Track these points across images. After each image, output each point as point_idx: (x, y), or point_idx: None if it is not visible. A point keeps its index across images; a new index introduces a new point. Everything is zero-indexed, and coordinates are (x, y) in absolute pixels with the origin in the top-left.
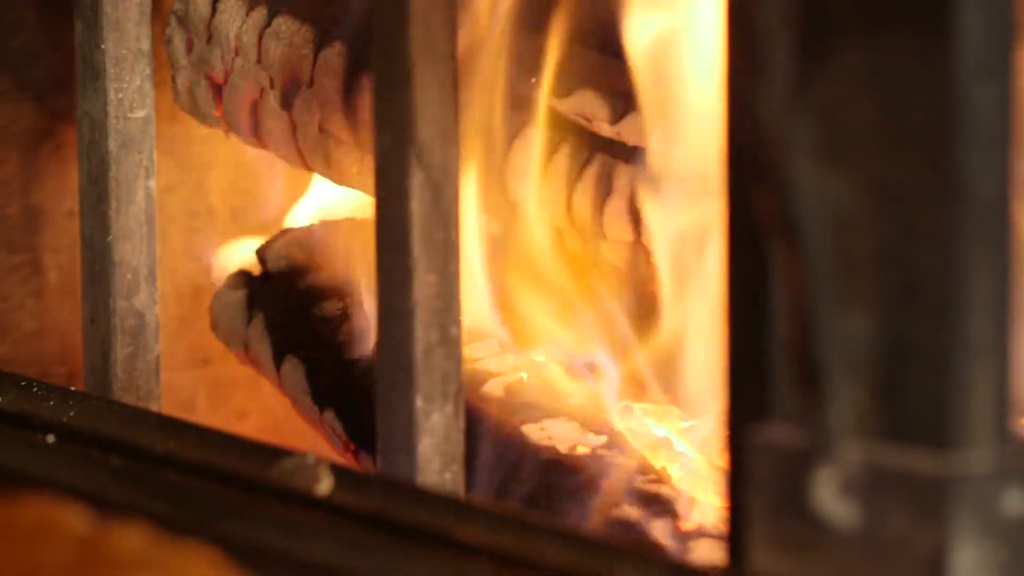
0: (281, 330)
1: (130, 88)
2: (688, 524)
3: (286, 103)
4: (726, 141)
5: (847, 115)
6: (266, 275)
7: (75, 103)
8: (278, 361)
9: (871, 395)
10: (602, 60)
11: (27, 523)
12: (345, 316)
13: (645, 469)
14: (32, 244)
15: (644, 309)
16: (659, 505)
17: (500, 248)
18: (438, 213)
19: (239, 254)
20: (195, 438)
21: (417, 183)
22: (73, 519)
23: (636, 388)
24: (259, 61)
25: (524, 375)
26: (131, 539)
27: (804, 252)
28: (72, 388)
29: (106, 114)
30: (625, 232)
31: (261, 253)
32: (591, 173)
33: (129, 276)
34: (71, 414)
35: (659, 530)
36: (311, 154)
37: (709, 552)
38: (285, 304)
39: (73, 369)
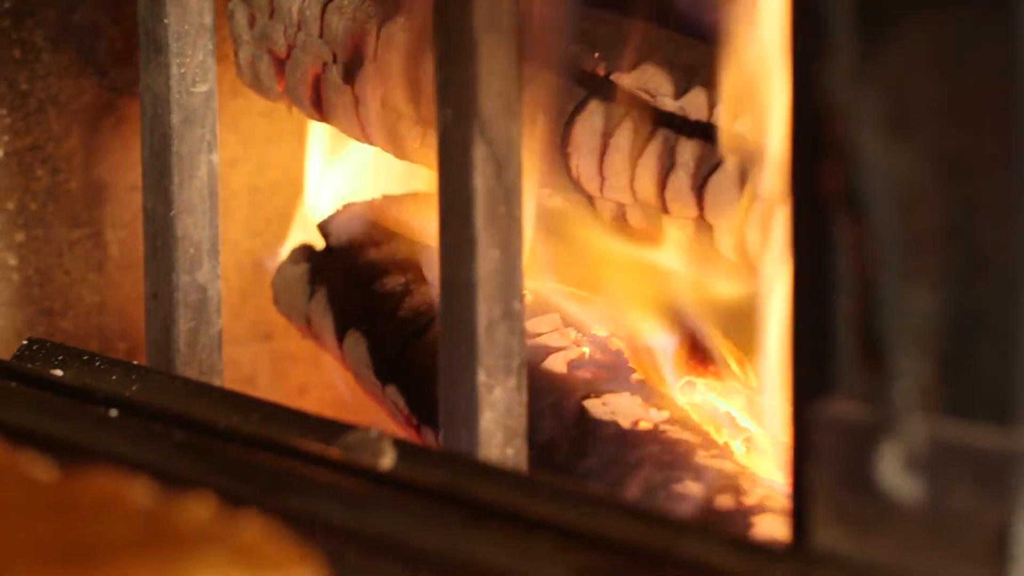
0: (343, 304)
1: (192, 62)
2: (751, 500)
3: (349, 77)
4: (791, 116)
5: (912, 89)
6: (328, 249)
7: (137, 78)
8: (340, 335)
9: (936, 370)
10: (665, 35)
11: (93, 496)
12: (407, 291)
13: (708, 444)
14: (94, 218)
15: (707, 284)
16: (722, 481)
17: (562, 223)
18: (501, 187)
19: (301, 228)
20: (258, 412)
21: (480, 157)
22: (138, 492)
23: (699, 363)
24: (322, 35)
25: (587, 350)
26: (195, 512)
27: (869, 226)
28: (134, 362)
29: (168, 88)
30: (688, 207)
31: (323, 227)
32: (654, 148)
33: (191, 250)
34: (134, 388)
35: (722, 506)
36: (373, 128)
37: (772, 528)
38: (347, 278)
39: (135, 343)
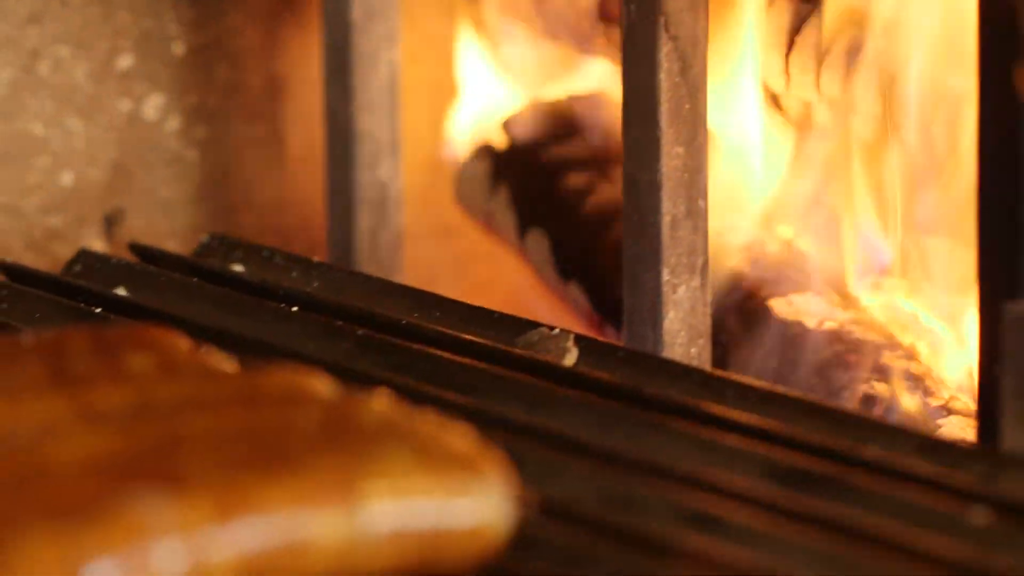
0: (526, 202)
1: None
2: (938, 401)
3: None
4: (979, 12)
5: None
6: (511, 147)
7: None
8: (522, 233)
9: None
10: None
11: (275, 390)
12: (591, 188)
13: (893, 345)
14: (274, 114)
15: (893, 183)
16: (908, 381)
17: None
18: (686, 84)
19: (484, 126)
20: (439, 310)
21: (665, 54)
22: (320, 387)
23: (885, 263)
24: None
25: (772, 248)
26: (377, 408)
27: None
28: (315, 259)
29: None
30: (874, 105)
31: (507, 125)
32: (841, 45)
33: (372, 147)
34: (315, 285)
35: (908, 406)
36: (556, 25)
37: (959, 429)
38: (530, 176)
39: (315, 240)
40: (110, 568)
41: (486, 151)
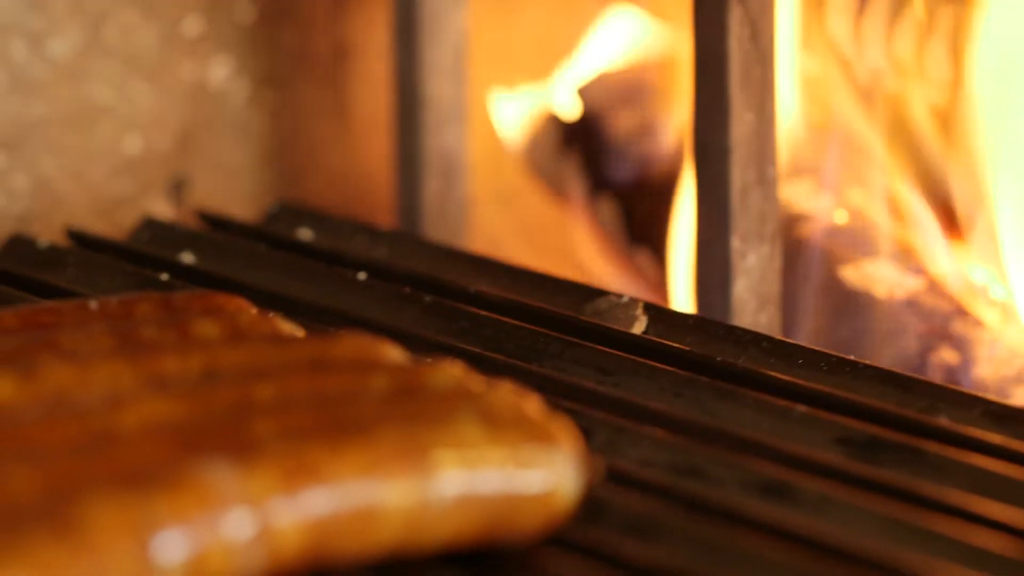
0: (595, 169)
1: None
2: (1009, 369)
3: None
4: None
5: None
6: (581, 114)
7: None
8: (592, 199)
9: None
10: None
11: (343, 356)
12: (661, 155)
13: (965, 313)
14: (341, 80)
15: (964, 149)
16: (979, 349)
17: (816, 87)
18: (756, 50)
19: (553, 93)
20: (507, 277)
21: (735, 19)
22: (388, 353)
23: (956, 231)
24: None
25: (843, 216)
26: (445, 375)
27: None
28: (382, 226)
29: None
30: (945, 71)
31: (576, 92)
32: (912, 11)
33: (439, 113)
34: (382, 251)
35: (979, 374)
36: None
37: None
38: (600, 143)
39: (381, 206)
40: (179, 535)
41: (555, 117)
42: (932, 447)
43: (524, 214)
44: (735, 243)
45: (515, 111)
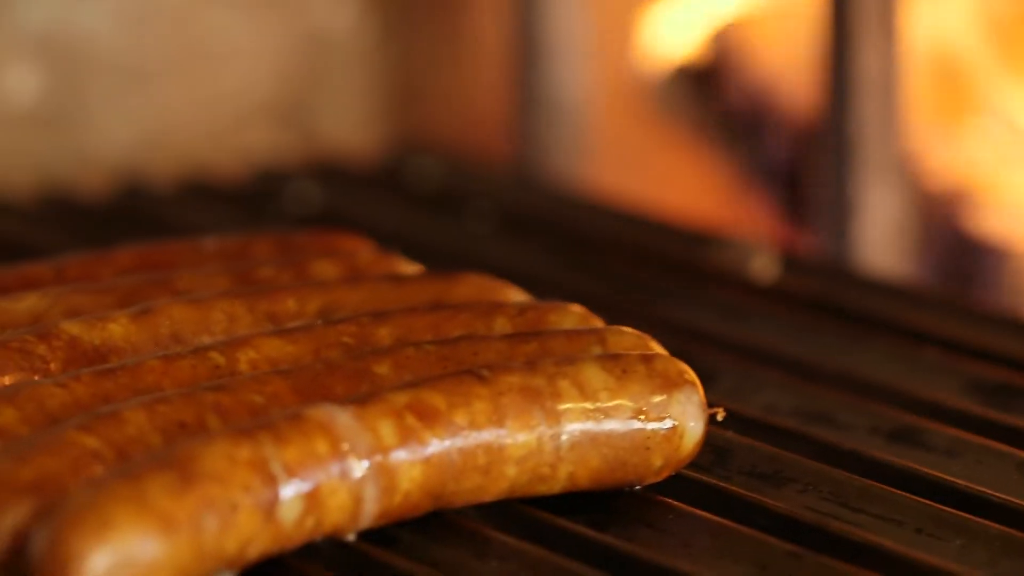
0: (721, 113)
1: None
2: None
3: None
4: None
5: None
6: (705, 60)
7: None
8: (716, 143)
9: None
10: None
11: (466, 298)
12: (783, 99)
13: None
14: (463, 21)
15: None
16: None
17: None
18: None
19: (677, 37)
20: (631, 222)
21: None
22: (510, 295)
23: None
24: None
25: (974, 158)
26: (568, 315)
27: None
28: (503, 166)
29: None
30: None
31: (697, 36)
32: None
33: (562, 52)
34: (502, 192)
35: None
36: None
37: None
38: (724, 86)
39: (503, 150)
40: (298, 477)
41: (679, 62)
42: None
43: (650, 156)
44: (865, 186)
45: (644, 47)
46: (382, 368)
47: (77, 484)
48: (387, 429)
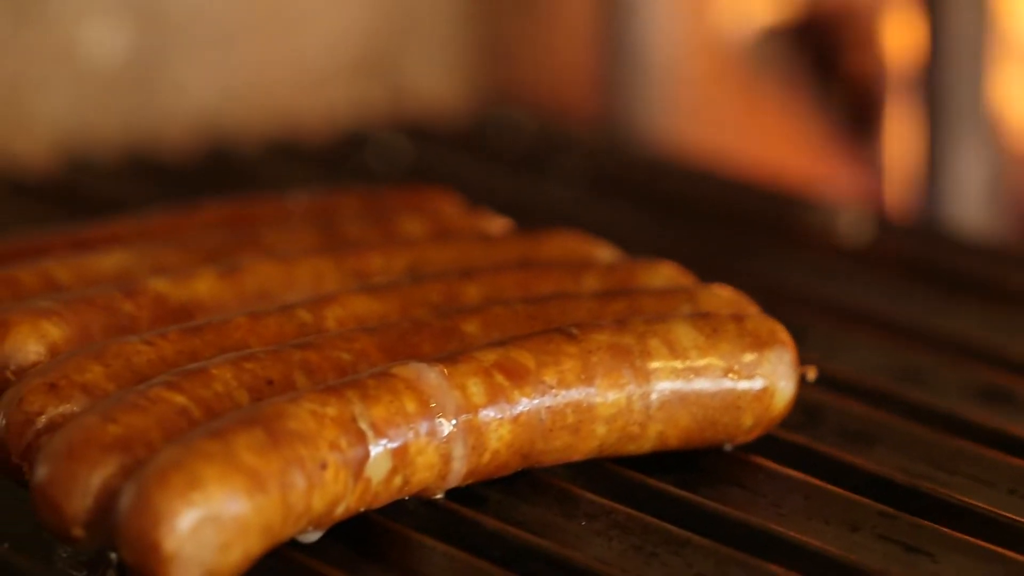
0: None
1: None
2: None
3: None
4: None
5: None
6: (797, 17)
7: None
8: (808, 103)
9: None
10: None
11: (555, 256)
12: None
13: None
14: None
15: None
16: None
17: None
18: None
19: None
20: (721, 183)
21: None
22: (601, 253)
23: None
24: None
25: None
26: (659, 273)
27: None
28: (593, 124)
29: None
30: None
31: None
32: None
33: (651, 15)
34: (591, 157)
35: None
36: None
37: None
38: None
39: (590, 112)
40: (386, 435)
41: (776, 25)
42: None
43: (742, 116)
44: (959, 146)
45: (732, 19)
46: (470, 326)
47: (164, 441)
48: (476, 388)
